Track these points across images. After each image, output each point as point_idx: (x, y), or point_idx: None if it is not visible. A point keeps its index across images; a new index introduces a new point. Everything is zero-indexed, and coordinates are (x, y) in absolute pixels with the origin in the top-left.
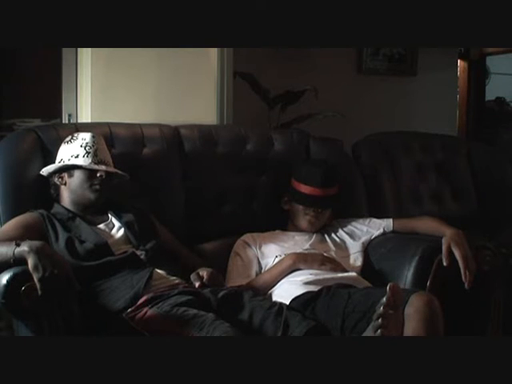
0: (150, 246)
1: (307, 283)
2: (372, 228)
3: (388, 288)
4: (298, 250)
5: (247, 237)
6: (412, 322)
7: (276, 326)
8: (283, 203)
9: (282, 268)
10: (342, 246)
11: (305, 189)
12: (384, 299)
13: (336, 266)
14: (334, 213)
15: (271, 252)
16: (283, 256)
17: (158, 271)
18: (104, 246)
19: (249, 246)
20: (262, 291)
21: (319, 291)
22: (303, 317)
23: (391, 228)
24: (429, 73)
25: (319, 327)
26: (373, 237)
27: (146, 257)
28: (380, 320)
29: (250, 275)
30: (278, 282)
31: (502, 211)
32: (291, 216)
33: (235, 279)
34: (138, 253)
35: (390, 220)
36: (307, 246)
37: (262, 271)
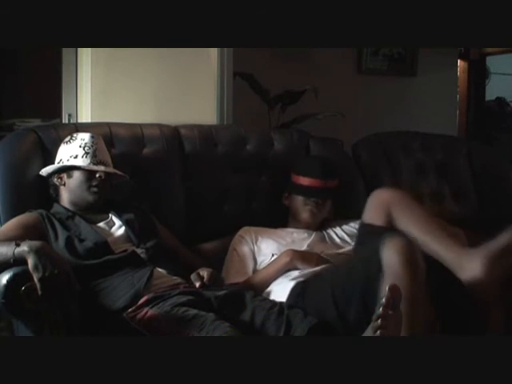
0: (150, 244)
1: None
2: None
3: (387, 288)
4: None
5: (244, 231)
6: (392, 267)
7: (277, 326)
8: (283, 199)
9: (279, 265)
10: (341, 246)
11: (304, 181)
12: (383, 300)
13: None
14: (334, 210)
15: (267, 249)
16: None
17: (159, 270)
18: (104, 245)
19: (245, 241)
20: (259, 289)
21: (307, 280)
22: (304, 315)
23: None
24: (429, 73)
25: (321, 324)
26: None
27: (146, 255)
28: (379, 321)
29: (248, 272)
30: (276, 279)
31: (502, 211)
32: (292, 211)
33: (233, 275)
34: (139, 251)
35: None
36: (305, 246)
37: (257, 267)
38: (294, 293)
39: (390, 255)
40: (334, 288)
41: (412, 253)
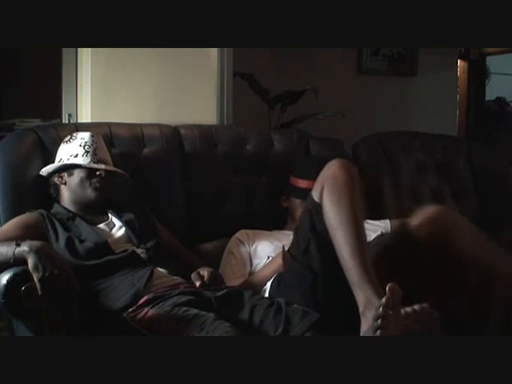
0: (150, 244)
1: None
2: (369, 230)
3: (387, 288)
4: None
5: (241, 234)
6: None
7: (276, 324)
8: (282, 201)
9: (275, 267)
10: None
11: (301, 183)
12: (383, 300)
13: None
14: None
15: (263, 251)
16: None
17: (159, 270)
18: (104, 245)
19: (242, 243)
20: (256, 290)
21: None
22: (304, 312)
23: (389, 229)
24: (429, 73)
25: (321, 322)
26: (371, 239)
27: (146, 255)
28: (379, 321)
29: (245, 274)
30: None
31: (502, 211)
32: (290, 212)
33: (230, 278)
34: (139, 251)
35: (388, 221)
36: None
37: (253, 270)
38: (274, 284)
39: (326, 171)
40: (295, 253)
41: (345, 162)
